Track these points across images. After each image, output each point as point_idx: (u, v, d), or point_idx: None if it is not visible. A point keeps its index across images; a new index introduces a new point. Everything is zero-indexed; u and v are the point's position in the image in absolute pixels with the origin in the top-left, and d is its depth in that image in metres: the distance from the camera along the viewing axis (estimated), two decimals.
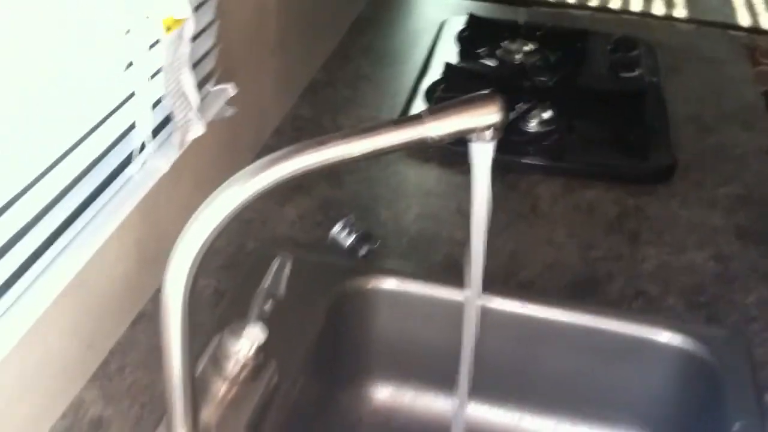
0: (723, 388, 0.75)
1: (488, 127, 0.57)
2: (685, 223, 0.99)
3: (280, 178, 0.52)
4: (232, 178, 0.52)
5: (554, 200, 1.03)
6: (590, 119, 1.17)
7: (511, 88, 1.20)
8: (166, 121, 0.79)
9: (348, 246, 0.89)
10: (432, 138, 0.56)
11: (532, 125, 1.13)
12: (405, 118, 0.56)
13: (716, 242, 0.95)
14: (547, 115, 1.14)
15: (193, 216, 0.53)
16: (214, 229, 0.53)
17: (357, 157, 0.54)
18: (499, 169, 1.04)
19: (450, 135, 0.56)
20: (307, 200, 0.99)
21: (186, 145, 0.80)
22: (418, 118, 0.55)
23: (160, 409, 0.69)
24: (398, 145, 0.56)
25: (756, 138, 1.17)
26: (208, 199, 0.52)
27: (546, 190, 1.05)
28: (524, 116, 1.14)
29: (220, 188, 0.52)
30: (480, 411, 0.89)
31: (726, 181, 1.07)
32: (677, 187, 1.05)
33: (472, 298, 0.62)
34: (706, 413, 0.77)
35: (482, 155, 0.58)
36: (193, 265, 0.53)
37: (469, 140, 0.58)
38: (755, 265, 0.91)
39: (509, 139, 1.11)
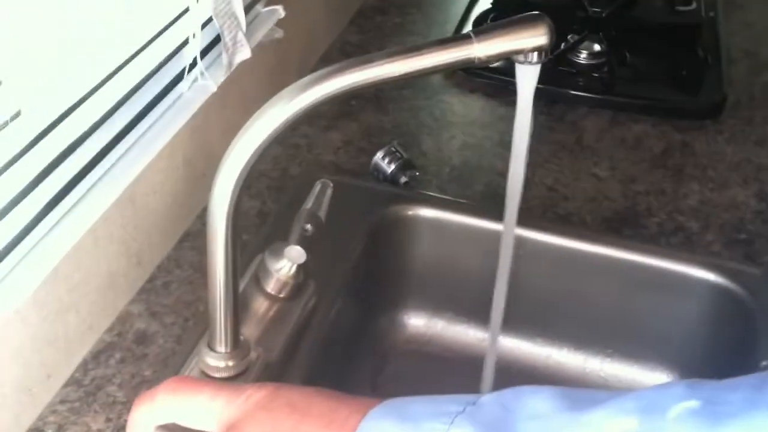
0: (755, 326, 0.75)
1: (535, 49, 0.56)
2: (730, 160, 0.97)
3: (326, 95, 0.53)
4: (278, 95, 0.53)
5: (600, 133, 1.02)
6: (642, 53, 1.15)
7: (563, 18, 1.17)
8: (215, 41, 0.80)
9: (390, 173, 0.90)
10: (479, 58, 0.55)
11: (583, 57, 1.12)
12: (452, 38, 0.56)
13: (761, 180, 0.94)
14: (598, 47, 1.12)
15: (240, 132, 0.54)
16: (260, 146, 0.53)
17: (402, 75, 0.55)
18: (546, 100, 1.06)
19: (496, 56, 0.56)
20: (353, 127, 1.00)
21: (233, 67, 0.81)
22: (466, 38, 0.55)
23: (202, 324, 0.72)
24: (444, 65, 0.56)
25: None
26: (254, 116, 0.53)
27: (592, 123, 1.04)
28: (575, 47, 1.12)
29: (266, 105, 0.53)
30: (511, 344, 0.90)
31: None
32: (726, 124, 1.03)
33: (508, 225, 0.62)
34: (736, 351, 0.77)
35: (527, 78, 0.58)
36: (238, 181, 0.54)
37: (516, 62, 0.58)
38: None
39: (558, 70, 1.11)
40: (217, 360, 0.61)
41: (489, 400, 0.39)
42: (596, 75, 1.10)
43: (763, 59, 1.18)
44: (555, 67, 1.10)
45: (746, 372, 0.72)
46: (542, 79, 1.08)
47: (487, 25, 0.56)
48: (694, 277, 0.81)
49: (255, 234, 0.82)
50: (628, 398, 0.36)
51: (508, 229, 0.64)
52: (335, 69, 0.53)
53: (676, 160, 0.97)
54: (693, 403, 0.35)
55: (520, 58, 0.57)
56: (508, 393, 0.39)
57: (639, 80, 1.10)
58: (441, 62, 0.55)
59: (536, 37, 0.56)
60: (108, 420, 0.64)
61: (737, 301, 0.79)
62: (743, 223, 0.88)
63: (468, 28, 1.18)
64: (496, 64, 1.11)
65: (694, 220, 0.88)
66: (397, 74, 0.55)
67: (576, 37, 1.12)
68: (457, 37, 0.55)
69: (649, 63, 1.13)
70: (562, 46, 1.12)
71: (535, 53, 0.57)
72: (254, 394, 0.43)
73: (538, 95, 1.06)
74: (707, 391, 0.36)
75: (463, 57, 0.55)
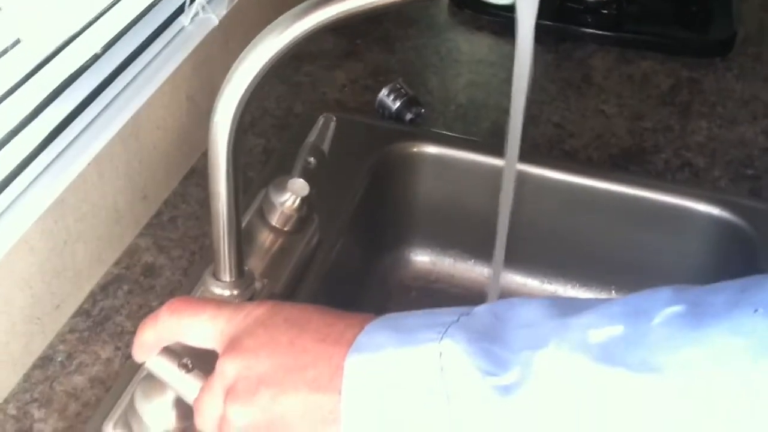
0: (757, 259, 0.75)
1: None
2: (739, 96, 0.96)
3: (320, 23, 0.52)
4: (271, 24, 0.53)
5: (608, 71, 1.01)
6: None
7: None
8: None
9: (395, 110, 0.90)
10: None
11: None
12: None
13: None
14: None
15: (235, 63, 0.54)
16: (256, 76, 0.53)
17: (397, 2, 0.54)
18: (554, 37, 1.05)
19: None
20: (358, 65, 0.99)
21: (235, 1, 0.80)
22: None
23: (209, 258, 0.72)
24: None
25: None
26: (249, 46, 0.53)
27: (600, 60, 1.03)
28: None
29: (260, 35, 0.53)
30: (517, 281, 0.90)
31: None
32: (735, 61, 1.02)
33: (509, 160, 0.62)
34: None
35: (527, 9, 0.57)
36: (236, 112, 0.54)
37: None
38: None
39: (566, 7, 1.09)
40: (221, 289, 0.62)
41: (482, 310, 0.39)
42: (604, 12, 1.08)
43: None
44: (563, 4, 1.09)
45: None
46: (550, 16, 1.08)
47: None
48: (698, 212, 0.81)
49: (260, 171, 0.83)
50: (615, 303, 0.37)
51: (510, 164, 0.64)
52: None
53: (684, 97, 0.97)
54: (678, 308, 0.35)
55: None
56: (501, 304, 0.39)
57: (648, 17, 1.09)
58: None
59: None
60: (117, 348, 0.65)
61: (741, 234, 0.79)
62: (750, 159, 0.88)
63: None
64: (503, 2, 1.11)
65: (701, 156, 0.88)
66: (390, 1, 0.54)
67: None
68: None
69: (659, 0, 1.12)
70: None
71: None
72: (253, 311, 0.44)
73: (546, 33, 1.07)
74: (692, 295, 0.36)
75: None
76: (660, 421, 0.34)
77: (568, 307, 0.37)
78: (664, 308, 0.35)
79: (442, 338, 0.38)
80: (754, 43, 1.06)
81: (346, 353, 0.40)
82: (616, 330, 0.35)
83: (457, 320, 0.39)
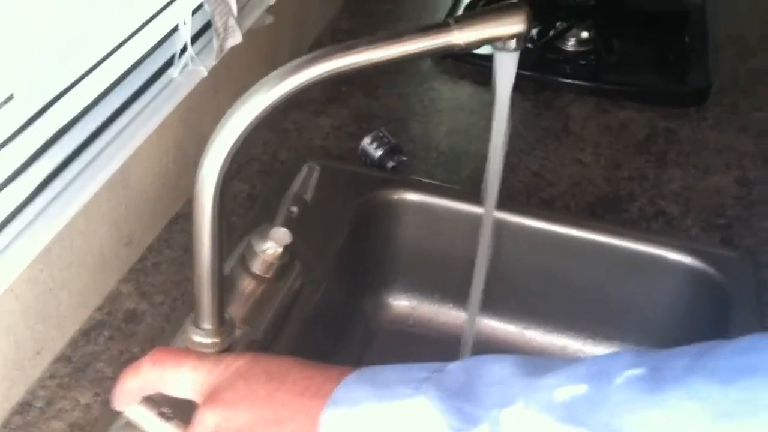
0: (730, 308, 0.77)
1: (513, 36, 0.58)
2: (713, 146, 0.99)
3: (309, 81, 0.54)
4: (261, 81, 0.55)
5: (586, 120, 1.04)
6: (630, 40, 1.16)
7: (550, 6, 1.19)
8: (206, 27, 0.81)
9: (377, 158, 0.92)
10: (458, 45, 0.57)
11: (571, 44, 1.14)
12: (432, 25, 0.57)
13: (742, 166, 0.96)
14: (586, 34, 1.13)
15: (224, 117, 0.55)
16: (244, 131, 0.55)
17: (384, 61, 0.56)
18: (534, 87, 1.08)
19: (475, 42, 0.57)
20: (343, 112, 1.02)
21: (225, 52, 0.82)
22: (446, 25, 0.57)
23: (190, 304, 0.73)
24: (425, 51, 0.57)
25: None
26: (238, 102, 0.55)
27: (579, 109, 1.05)
28: (563, 35, 1.13)
29: (248, 91, 0.55)
30: (494, 326, 0.92)
31: (761, 106, 1.07)
32: (710, 111, 1.05)
33: (487, 208, 0.64)
34: (712, 332, 0.79)
35: (506, 64, 0.60)
36: (224, 165, 0.56)
37: (495, 48, 0.59)
38: None
39: (546, 57, 1.12)
40: (202, 337, 0.62)
41: (455, 367, 0.41)
42: (583, 62, 1.11)
43: (750, 46, 1.20)
44: (543, 54, 1.12)
45: None
46: (530, 66, 1.11)
47: (466, 12, 0.58)
48: (671, 260, 0.83)
49: (243, 216, 0.84)
50: (580, 365, 0.38)
51: (488, 212, 0.66)
52: (318, 55, 0.55)
53: (660, 146, 0.99)
54: (638, 371, 0.37)
55: (499, 44, 0.59)
56: (473, 360, 0.41)
57: (626, 67, 1.12)
58: (422, 48, 0.57)
59: (514, 24, 0.57)
60: (96, 395, 0.66)
61: (713, 283, 0.81)
62: (723, 208, 0.90)
63: (459, 14, 1.19)
64: (484, 51, 1.14)
65: (675, 205, 0.90)
66: (378, 60, 0.56)
67: (564, 25, 1.14)
68: (438, 24, 0.57)
69: (637, 50, 1.15)
70: (551, 33, 1.14)
71: (513, 40, 0.58)
72: (233, 363, 0.45)
73: (527, 82, 1.09)
74: (653, 359, 0.38)
75: (444, 44, 0.57)
76: None
77: (536, 367, 0.39)
78: (626, 371, 0.37)
79: (416, 394, 0.39)
80: (730, 94, 1.09)
81: (323, 406, 0.41)
82: (580, 390, 0.36)
83: (431, 377, 0.40)
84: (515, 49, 0.58)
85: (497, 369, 0.40)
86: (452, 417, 0.38)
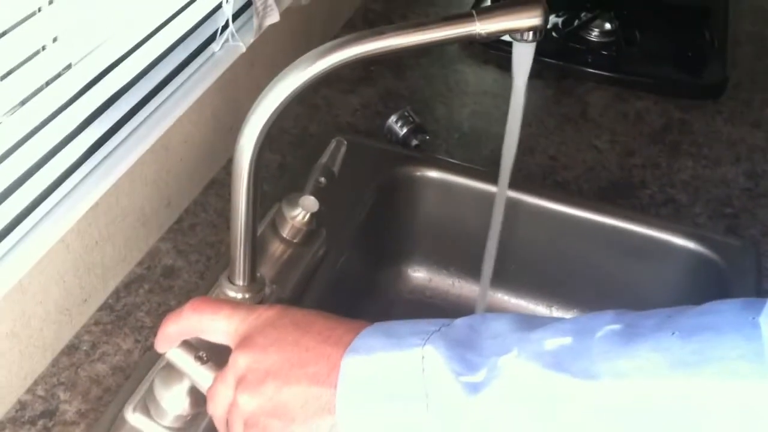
0: (729, 293, 0.82)
1: (530, 29, 0.63)
2: (726, 139, 1.03)
3: (341, 62, 0.59)
4: (297, 60, 0.60)
5: (605, 108, 1.08)
6: (652, 32, 1.20)
7: None
8: (247, 5, 0.87)
9: (402, 136, 0.96)
10: (479, 34, 0.62)
11: (594, 35, 1.18)
12: (456, 15, 0.62)
13: (752, 160, 1.00)
14: (609, 25, 1.17)
15: (263, 92, 0.61)
16: (280, 104, 0.60)
17: (410, 47, 0.61)
18: (556, 74, 1.12)
19: (496, 32, 0.62)
20: (371, 91, 1.07)
21: (262, 30, 0.87)
22: (469, 15, 0.62)
23: (224, 263, 0.79)
24: (449, 39, 0.62)
25: None
26: (275, 79, 0.60)
27: (598, 98, 1.10)
28: (587, 25, 1.17)
29: (285, 69, 0.60)
30: (504, 300, 0.97)
31: None
32: (725, 105, 1.09)
33: (501, 188, 0.69)
34: None
35: (523, 55, 0.64)
36: (260, 135, 0.61)
37: (513, 39, 0.64)
38: None
39: (569, 47, 1.16)
40: (235, 292, 0.68)
41: (461, 322, 0.46)
42: (605, 53, 1.15)
43: None
44: (567, 43, 1.16)
45: None
46: (554, 54, 1.15)
47: (489, 5, 0.62)
48: (677, 245, 0.88)
49: (274, 185, 0.90)
50: (567, 321, 0.44)
51: (501, 191, 0.71)
52: (350, 39, 0.60)
53: (674, 136, 1.03)
54: (616, 326, 0.42)
55: (517, 36, 0.63)
56: (477, 317, 0.46)
57: (646, 59, 1.16)
58: (445, 36, 0.62)
59: (532, 18, 0.62)
60: (136, 341, 0.72)
61: (716, 269, 0.86)
62: (730, 198, 0.94)
63: (488, 2, 1.24)
64: (509, 39, 1.18)
65: (684, 193, 0.94)
66: (404, 46, 0.61)
67: (589, 15, 1.18)
68: (461, 15, 0.62)
69: (657, 43, 1.19)
70: (575, 23, 1.18)
71: (531, 32, 0.63)
72: (264, 313, 0.51)
73: (550, 70, 1.14)
74: (629, 318, 0.43)
75: (466, 33, 0.62)
76: (595, 418, 0.41)
77: (529, 323, 0.45)
78: (606, 326, 0.42)
79: (425, 344, 0.45)
80: (746, 89, 1.12)
81: (343, 353, 0.47)
82: (566, 341, 0.42)
83: (439, 330, 0.45)
84: (532, 41, 0.63)
85: (496, 324, 0.45)
86: (456, 363, 0.43)
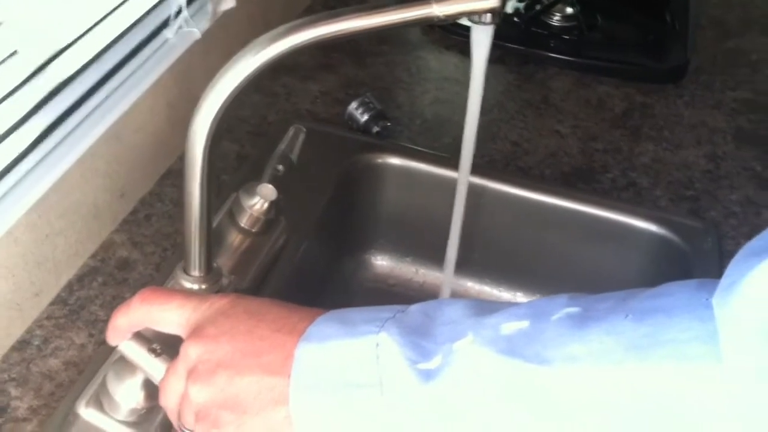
0: (690, 275, 0.82)
1: (488, 11, 0.62)
2: (687, 122, 1.03)
3: (293, 46, 0.58)
4: (248, 45, 0.58)
5: (566, 93, 1.07)
6: (613, 17, 1.20)
7: None
8: None
9: (363, 123, 0.95)
10: (437, 17, 0.61)
11: (556, 19, 1.17)
12: None
13: (713, 142, 1.00)
14: (570, 9, 1.17)
15: (214, 78, 0.59)
16: (233, 91, 0.59)
17: (366, 30, 0.60)
18: (517, 60, 1.11)
19: (453, 15, 0.61)
20: (331, 78, 1.05)
21: (218, 16, 0.86)
22: None
23: (180, 255, 0.77)
24: (406, 21, 0.61)
25: None
26: (227, 65, 0.59)
27: (560, 83, 1.09)
28: (548, 10, 1.17)
29: (237, 55, 0.58)
30: (469, 286, 0.96)
31: (736, 85, 1.11)
32: (686, 88, 1.09)
33: (462, 174, 0.68)
34: None
35: (481, 37, 0.63)
36: (214, 121, 0.59)
37: (471, 22, 0.63)
38: (746, 165, 0.96)
39: (531, 32, 1.16)
40: (191, 283, 0.67)
41: (415, 308, 0.45)
42: (567, 37, 1.15)
43: (729, 27, 1.23)
44: (528, 28, 1.15)
45: None
46: (516, 39, 1.14)
47: None
48: (639, 228, 0.87)
49: (233, 175, 0.88)
50: (522, 306, 0.43)
51: (462, 178, 0.70)
52: (303, 22, 0.59)
53: (636, 120, 1.03)
54: (571, 310, 0.41)
55: (476, 18, 0.62)
56: (431, 303, 0.45)
57: (607, 43, 1.16)
58: (403, 19, 0.61)
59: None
60: (90, 335, 0.70)
61: (678, 251, 0.86)
62: (691, 181, 0.94)
63: None
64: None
65: (646, 176, 0.94)
66: (360, 29, 0.60)
67: (550, 0, 1.17)
68: None
69: (619, 27, 1.19)
70: (537, 7, 1.17)
71: (489, 14, 0.62)
72: (217, 302, 0.49)
73: (512, 55, 1.13)
74: (584, 301, 0.42)
75: (423, 15, 0.61)
76: (548, 403, 0.40)
77: (483, 308, 0.44)
78: (560, 310, 0.41)
79: (379, 331, 0.43)
80: (706, 72, 1.13)
81: (297, 342, 0.45)
82: (520, 326, 0.41)
83: (394, 316, 0.44)
84: (490, 23, 0.62)
85: (450, 310, 0.44)
86: (409, 350, 0.42)
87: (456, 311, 0.44)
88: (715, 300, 0.38)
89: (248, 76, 0.59)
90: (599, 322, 0.40)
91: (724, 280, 0.38)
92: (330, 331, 0.45)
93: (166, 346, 0.54)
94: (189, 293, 0.51)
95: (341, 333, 0.45)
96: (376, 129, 0.95)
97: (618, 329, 0.39)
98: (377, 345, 0.43)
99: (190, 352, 0.48)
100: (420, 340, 0.43)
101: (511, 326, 0.41)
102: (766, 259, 0.36)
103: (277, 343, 0.46)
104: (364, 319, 0.45)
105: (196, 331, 0.48)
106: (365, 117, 0.95)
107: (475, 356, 0.41)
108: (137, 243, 0.79)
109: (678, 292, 0.41)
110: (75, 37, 0.68)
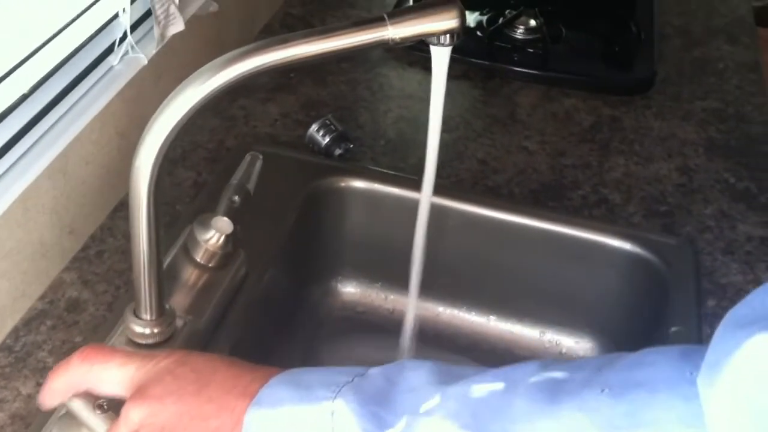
0: (668, 293, 0.79)
1: (446, 32, 0.59)
2: (656, 134, 1.01)
3: (241, 75, 0.55)
4: (195, 73, 0.55)
5: (533, 108, 1.05)
6: (578, 29, 1.17)
7: None
8: (147, 14, 0.81)
9: (324, 145, 0.92)
10: (393, 39, 0.58)
11: (519, 32, 1.15)
12: (367, 19, 0.58)
13: (684, 154, 0.97)
14: (534, 22, 1.14)
15: (159, 108, 0.56)
16: (179, 121, 0.55)
17: (319, 55, 0.57)
18: (482, 75, 1.08)
19: (410, 38, 0.58)
20: (291, 99, 1.02)
21: (166, 40, 0.82)
22: (380, 20, 0.57)
23: (133, 293, 0.74)
24: (360, 45, 0.58)
25: (739, 53, 1.18)
26: (172, 93, 0.55)
27: (526, 97, 1.06)
28: (511, 23, 1.14)
29: (183, 83, 0.55)
30: (440, 311, 0.93)
31: (704, 95, 1.09)
32: (654, 100, 1.07)
33: (424, 196, 0.65)
34: (651, 317, 0.81)
35: (440, 58, 0.60)
36: (159, 152, 0.56)
37: (429, 43, 0.60)
38: (719, 178, 0.94)
39: (495, 45, 1.13)
40: (142, 327, 0.63)
41: (376, 372, 0.42)
42: (531, 50, 1.12)
43: (695, 36, 1.21)
44: (492, 42, 1.12)
45: (659, 338, 0.77)
46: (479, 54, 1.12)
47: (401, 8, 0.58)
48: (612, 247, 0.85)
49: (189, 204, 0.84)
50: (490, 374, 0.40)
51: (425, 199, 0.67)
52: (252, 48, 0.55)
53: (604, 134, 1.01)
54: (542, 378, 0.38)
55: (434, 40, 0.59)
56: (393, 367, 0.42)
57: (573, 56, 1.13)
58: (356, 43, 0.58)
59: (448, 20, 0.58)
60: (38, 385, 0.66)
61: (653, 269, 0.83)
62: (664, 195, 0.92)
63: (410, 1, 1.20)
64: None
65: (617, 192, 0.92)
66: (314, 54, 0.57)
67: (513, 13, 1.14)
68: (372, 19, 0.57)
69: (584, 39, 1.16)
70: (500, 20, 1.14)
71: (447, 35, 0.59)
72: (162, 360, 0.45)
73: (476, 70, 1.10)
74: (556, 370, 0.39)
75: (377, 38, 0.58)
76: None
77: (449, 375, 0.40)
78: (530, 378, 0.38)
79: (335, 398, 0.40)
80: (674, 83, 1.11)
81: (248, 406, 0.42)
82: (487, 394, 0.38)
83: (352, 380, 0.41)
84: (449, 44, 0.59)
85: (413, 376, 0.41)
86: (366, 420, 0.39)
87: (419, 377, 0.40)
88: (701, 380, 0.35)
89: (194, 106, 0.56)
90: (571, 396, 0.37)
91: (710, 356, 0.35)
92: (283, 394, 0.42)
93: (115, 403, 0.50)
94: (132, 352, 0.48)
95: (294, 398, 0.41)
96: (338, 151, 0.92)
97: (592, 405, 0.36)
98: (332, 413, 0.39)
99: (132, 414, 0.44)
100: (378, 410, 0.39)
101: (475, 395, 0.38)
102: (752, 337, 0.32)
103: (226, 406, 0.42)
104: (321, 382, 0.42)
105: (140, 391, 0.44)
106: (326, 139, 0.92)
107: (436, 430, 0.37)
108: (88, 282, 0.75)
109: (660, 362, 0.37)
110: (12, 65, 0.64)
